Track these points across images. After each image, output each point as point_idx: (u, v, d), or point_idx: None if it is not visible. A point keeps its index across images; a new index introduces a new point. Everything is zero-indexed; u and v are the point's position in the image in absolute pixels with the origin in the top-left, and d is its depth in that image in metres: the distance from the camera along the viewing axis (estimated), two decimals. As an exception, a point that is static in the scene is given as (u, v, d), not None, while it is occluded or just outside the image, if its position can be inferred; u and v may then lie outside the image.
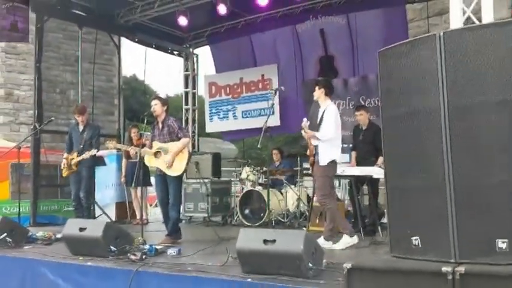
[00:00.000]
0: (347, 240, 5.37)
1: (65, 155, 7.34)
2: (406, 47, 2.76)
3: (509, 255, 2.37)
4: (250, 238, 4.02)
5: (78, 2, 9.25)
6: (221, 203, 8.85)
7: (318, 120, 5.51)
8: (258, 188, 8.04)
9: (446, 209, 2.52)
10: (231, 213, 8.76)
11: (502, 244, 2.38)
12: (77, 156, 7.15)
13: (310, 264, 3.72)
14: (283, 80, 10.21)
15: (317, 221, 6.98)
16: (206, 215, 8.65)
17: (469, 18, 3.40)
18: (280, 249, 3.76)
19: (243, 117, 10.79)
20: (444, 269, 2.38)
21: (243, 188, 8.61)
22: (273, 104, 7.36)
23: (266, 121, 5.60)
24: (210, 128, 11.60)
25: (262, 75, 10.49)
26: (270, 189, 8.20)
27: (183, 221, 8.93)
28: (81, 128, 7.35)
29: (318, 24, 9.66)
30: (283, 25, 10.05)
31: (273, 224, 7.60)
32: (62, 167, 7.35)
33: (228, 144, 19.71)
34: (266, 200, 7.69)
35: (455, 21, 3.34)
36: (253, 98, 10.59)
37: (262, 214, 7.66)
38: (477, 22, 3.37)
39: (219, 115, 11.22)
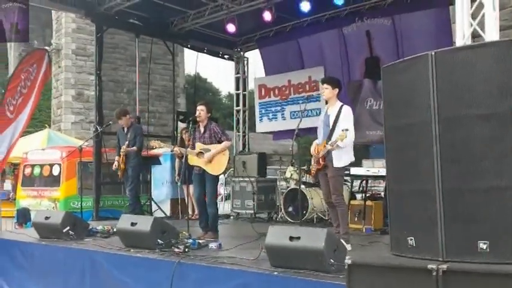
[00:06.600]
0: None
1: (116, 157, 7.86)
2: (405, 64, 3.02)
3: (488, 255, 2.61)
4: (277, 235, 4.36)
5: (135, 12, 9.74)
6: (266, 201, 9.20)
7: (332, 122, 5.30)
8: (302, 187, 8.35)
9: (436, 212, 2.78)
10: (275, 210, 9.15)
11: (483, 245, 2.63)
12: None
13: (332, 260, 4.03)
14: (330, 81, 10.42)
15: (355, 219, 7.23)
16: (252, 211, 9.06)
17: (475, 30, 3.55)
18: (304, 246, 4.09)
19: (291, 117, 11.03)
20: (429, 266, 2.68)
21: (288, 187, 8.97)
22: (305, 109, 7.62)
23: (298, 125, 5.71)
24: (259, 128, 11.95)
25: (310, 77, 10.72)
26: (313, 188, 8.55)
27: (231, 217, 9.43)
28: (125, 129, 7.92)
29: (363, 26, 9.72)
30: (330, 28, 10.22)
31: (314, 221, 7.90)
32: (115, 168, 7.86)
33: (289, 140, 19.93)
34: (308, 198, 8.03)
35: (461, 33, 3.51)
36: (300, 99, 10.83)
37: (304, 212, 7.96)
38: (483, 35, 3.54)
39: (268, 116, 11.58)
